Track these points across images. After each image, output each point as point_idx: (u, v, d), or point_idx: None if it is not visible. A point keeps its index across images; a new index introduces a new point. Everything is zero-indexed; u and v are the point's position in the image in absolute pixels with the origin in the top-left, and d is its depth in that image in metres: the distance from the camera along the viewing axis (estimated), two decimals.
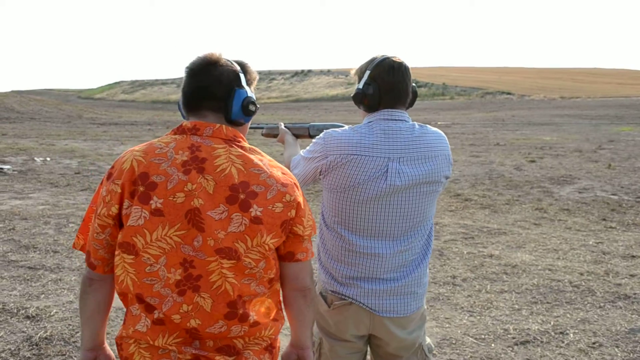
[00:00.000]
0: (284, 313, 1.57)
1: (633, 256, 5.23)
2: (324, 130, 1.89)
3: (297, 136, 2.30)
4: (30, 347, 3.28)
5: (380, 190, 1.77)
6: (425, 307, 2.03)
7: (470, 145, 14.59)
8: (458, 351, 3.38)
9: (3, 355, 3.20)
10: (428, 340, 2.04)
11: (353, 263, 1.85)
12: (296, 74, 79.74)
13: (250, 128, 2.63)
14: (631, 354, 3.33)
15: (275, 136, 2.39)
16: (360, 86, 1.84)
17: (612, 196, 8.08)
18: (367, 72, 1.82)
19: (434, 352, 2.23)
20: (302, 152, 1.95)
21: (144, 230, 1.35)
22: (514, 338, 3.54)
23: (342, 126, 1.99)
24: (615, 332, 3.63)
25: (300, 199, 1.47)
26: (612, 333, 3.61)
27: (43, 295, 4.12)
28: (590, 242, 5.71)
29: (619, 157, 12.10)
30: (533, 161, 11.62)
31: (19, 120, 24.38)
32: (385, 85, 1.80)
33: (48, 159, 11.51)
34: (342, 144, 1.78)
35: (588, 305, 4.08)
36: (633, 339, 3.53)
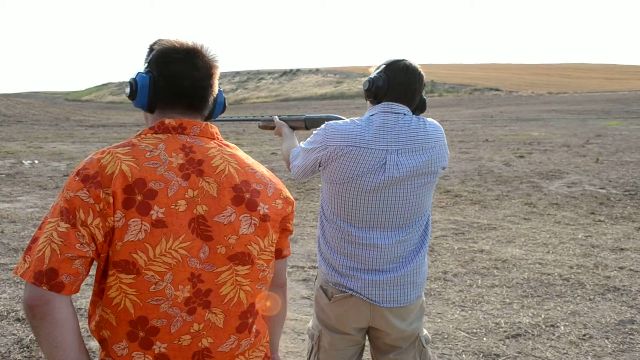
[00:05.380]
0: None
1: (621, 249, 5.28)
2: (325, 122, 1.93)
3: (293, 128, 2.34)
4: (21, 350, 3.26)
5: (378, 182, 1.80)
6: (424, 298, 2.05)
7: (459, 142, 14.64)
8: (450, 345, 3.40)
9: None
10: (425, 331, 2.06)
11: (352, 254, 1.87)
12: (285, 73, 79.62)
13: (246, 121, 2.65)
14: (621, 345, 3.36)
15: (272, 129, 2.42)
16: (372, 75, 1.89)
17: (600, 190, 8.15)
18: (383, 66, 1.88)
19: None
20: (301, 144, 1.99)
21: (146, 245, 1.18)
22: (505, 332, 3.57)
23: (339, 118, 2.04)
24: (605, 324, 3.67)
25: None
26: (602, 325, 3.65)
27: None
28: (580, 236, 5.76)
29: (607, 151, 12.20)
30: (522, 156, 11.70)
31: (6, 123, 24.13)
32: (395, 80, 1.85)
33: (36, 161, 11.40)
34: (342, 135, 1.82)
35: (578, 298, 4.12)
36: (622, 330, 3.57)
